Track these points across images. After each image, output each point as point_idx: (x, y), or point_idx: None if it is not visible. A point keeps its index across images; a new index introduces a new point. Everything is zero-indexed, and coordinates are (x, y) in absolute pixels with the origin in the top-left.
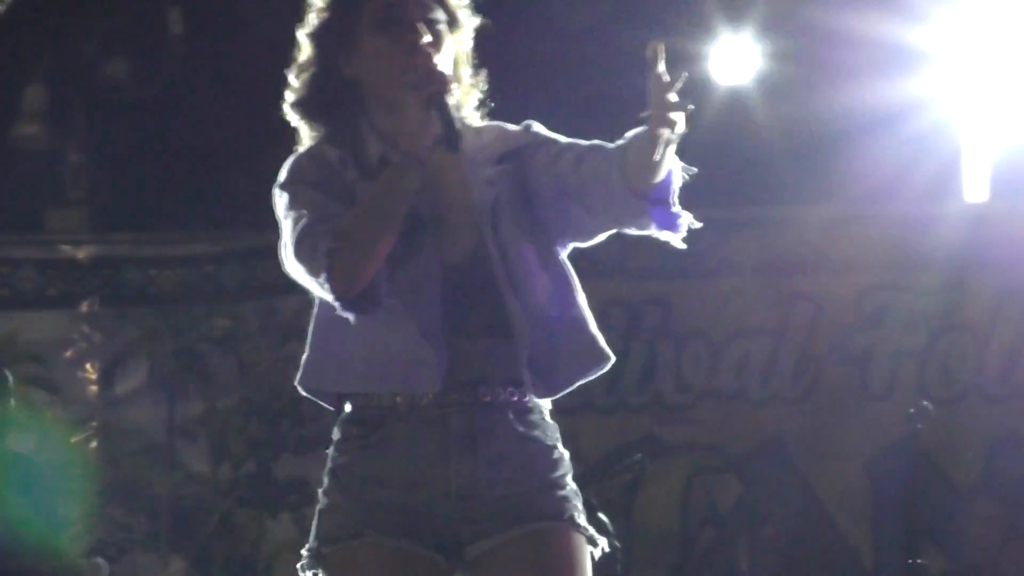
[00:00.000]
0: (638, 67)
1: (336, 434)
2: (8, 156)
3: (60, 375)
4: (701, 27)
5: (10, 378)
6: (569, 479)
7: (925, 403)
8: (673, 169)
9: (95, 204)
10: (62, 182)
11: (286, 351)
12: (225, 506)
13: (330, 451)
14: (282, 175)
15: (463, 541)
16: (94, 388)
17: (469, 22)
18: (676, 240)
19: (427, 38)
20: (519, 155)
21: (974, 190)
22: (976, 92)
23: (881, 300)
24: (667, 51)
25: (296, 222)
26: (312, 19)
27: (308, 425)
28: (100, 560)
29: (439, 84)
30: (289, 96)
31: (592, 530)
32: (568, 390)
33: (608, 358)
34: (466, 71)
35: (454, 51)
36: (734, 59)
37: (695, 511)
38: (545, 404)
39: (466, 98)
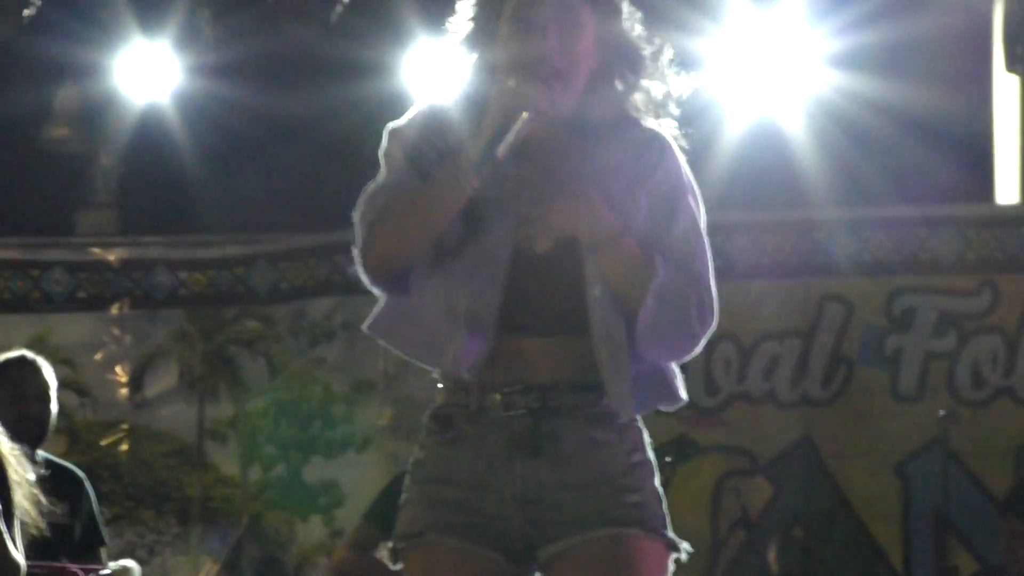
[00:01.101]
0: None
1: (423, 428)
2: (39, 159)
3: (90, 377)
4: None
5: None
6: (648, 483)
7: (955, 406)
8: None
9: (125, 207)
10: (92, 185)
11: (316, 353)
12: (255, 508)
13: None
14: (401, 119)
15: (533, 544)
16: (124, 390)
17: (623, 12)
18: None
19: (552, 43)
20: (643, 182)
21: (1005, 191)
22: (1006, 93)
23: (911, 302)
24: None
25: (376, 181)
26: (471, 5)
27: (338, 427)
28: (131, 562)
29: (521, 101)
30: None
31: (671, 535)
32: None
33: (672, 401)
34: (618, 63)
35: (601, 36)
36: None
37: (725, 513)
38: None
39: (618, 87)
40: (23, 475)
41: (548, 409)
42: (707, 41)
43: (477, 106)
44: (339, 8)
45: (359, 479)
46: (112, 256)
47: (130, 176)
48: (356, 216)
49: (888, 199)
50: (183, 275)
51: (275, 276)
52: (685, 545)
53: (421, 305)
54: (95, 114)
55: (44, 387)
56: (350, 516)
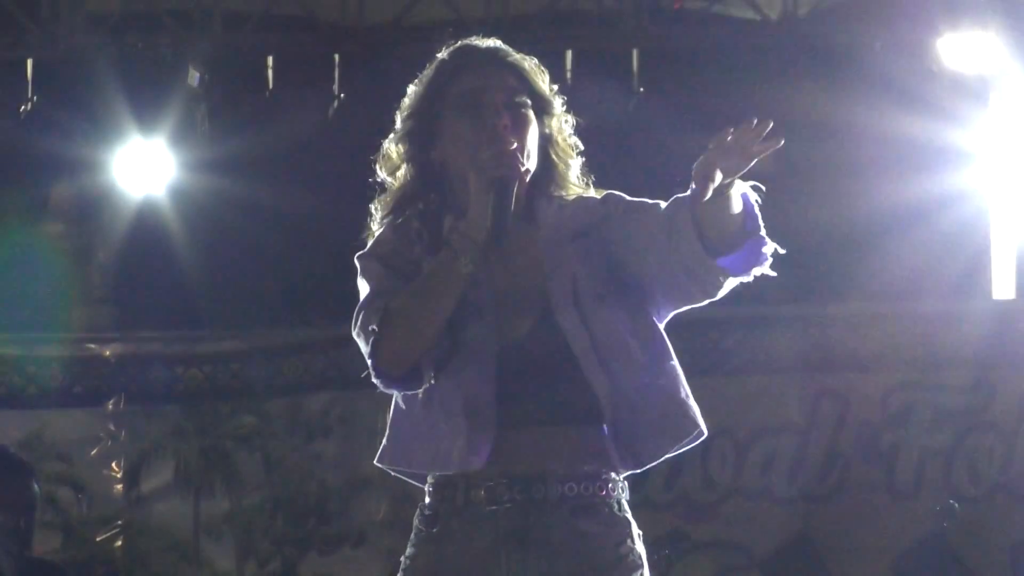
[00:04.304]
0: None
1: (413, 525)
2: (35, 254)
3: (86, 473)
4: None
5: (38, 488)
6: (637, 574)
7: (952, 502)
8: (747, 194)
9: (121, 302)
10: (88, 280)
11: (312, 448)
12: None
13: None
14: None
15: None
16: (119, 486)
17: (561, 106)
18: (764, 269)
19: (506, 121)
20: (599, 227)
21: (1001, 287)
22: (1004, 189)
23: (908, 398)
24: None
25: (362, 295)
26: (406, 110)
27: (334, 523)
28: None
29: (505, 168)
30: (385, 196)
31: None
32: (655, 462)
33: (697, 430)
34: (559, 153)
35: (541, 135)
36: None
37: None
38: (619, 497)
39: (563, 180)
40: None
41: (533, 501)
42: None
43: (431, 211)
44: (336, 103)
45: (355, 575)
46: (108, 352)
47: (126, 272)
48: (356, 329)
49: (883, 294)
50: (179, 370)
51: (271, 371)
52: None
53: (420, 418)
54: (91, 209)
55: (32, 499)
56: None
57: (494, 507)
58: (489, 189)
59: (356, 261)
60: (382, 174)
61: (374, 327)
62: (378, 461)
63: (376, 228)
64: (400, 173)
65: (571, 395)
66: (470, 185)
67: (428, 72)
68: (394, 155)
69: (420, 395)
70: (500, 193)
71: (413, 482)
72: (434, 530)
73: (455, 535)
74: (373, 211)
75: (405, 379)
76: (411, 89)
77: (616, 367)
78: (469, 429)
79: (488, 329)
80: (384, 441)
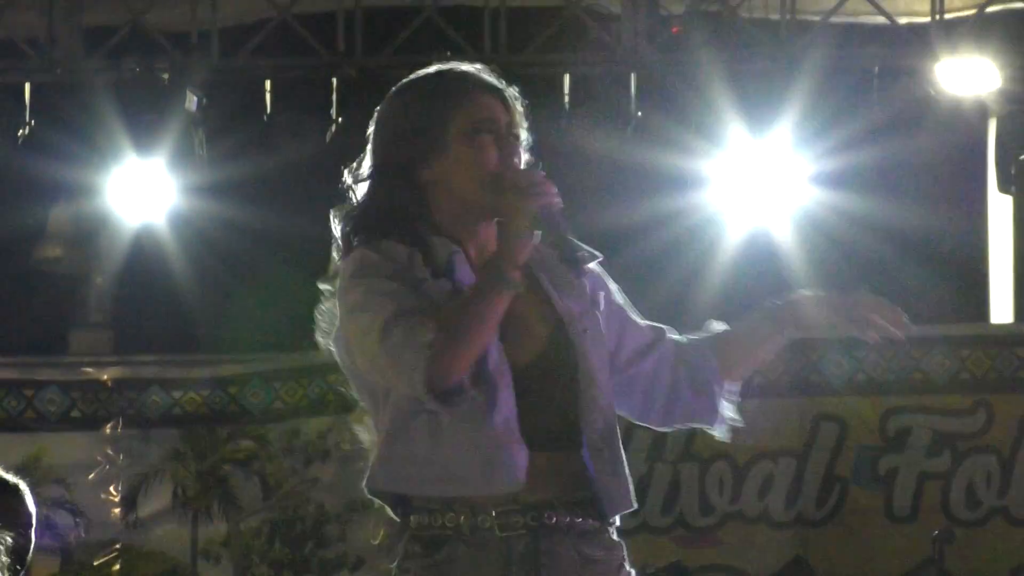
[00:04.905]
0: None
1: (399, 550)
2: (32, 278)
3: (84, 497)
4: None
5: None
6: None
7: (950, 525)
8: None
9: (119, 326)
10: (86, 304)
11: (310, 473)
12: None
13: (393, 567)
14: (351, 268)
15: None
16: (117, 510)
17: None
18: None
19: (518, 152)
20: (598, 287)
21: (999, 311)
22: (999, 213)
23: (906, 422)
24: None
25: (377, 313)
26: (397, 125)
27: (332, 547)
28: None
29: (547, 196)
30: (351, 211)
31: None
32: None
33: (631, 503)
34: None
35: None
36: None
37: None
38: (614, 522)
39: None
40: None
41: (544, 527)
42: (710, 163)
43: (416, 232)
44: (334, 127)
45: None
46: (106, 375)
47: (124, 296)
48: (387, 344)
49: None
50: (177, 394)
51: (269, 395)
52: None
53: (427, 440)
54: (89, 234)
55: (27, 521)
56: None
57: (506, 533)
58: (540, 217)
59: (349, 283)
60: (350, 183)
61: (429, 340)
62: (367, 484)
63: (342, 244)
64: (372, 189)
65: (575, 421)
66: (508, 211)
67: (420, 92)
68: (369, 171)
69: (423, 417)
70: (553, 219)
71: (386, 506)
72: (437, 556)
73: (461, 562)
74: (333, 223)
75: (454, 394)
76: (394, 107)
77: (607, 417)
78: (496, 450)
79: (501, 352)
80: (375, 465)
